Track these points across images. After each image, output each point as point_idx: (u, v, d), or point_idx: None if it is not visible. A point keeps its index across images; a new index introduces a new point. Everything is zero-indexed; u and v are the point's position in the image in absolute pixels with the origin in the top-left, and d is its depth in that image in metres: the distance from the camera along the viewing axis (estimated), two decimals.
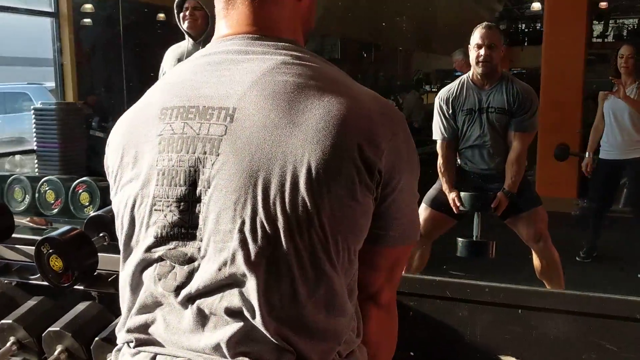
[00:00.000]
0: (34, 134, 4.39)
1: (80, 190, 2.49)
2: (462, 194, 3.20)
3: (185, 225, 0.90)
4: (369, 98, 0.94)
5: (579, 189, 5.67)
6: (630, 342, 1.67)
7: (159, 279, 0.92)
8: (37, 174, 4.21)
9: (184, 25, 3.14)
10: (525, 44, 13.54)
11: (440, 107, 3.24)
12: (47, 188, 2.60)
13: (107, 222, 1.90)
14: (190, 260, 0.90)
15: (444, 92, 3.26)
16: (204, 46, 1.03)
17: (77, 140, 4.43)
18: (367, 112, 0.91)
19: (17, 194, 3.00)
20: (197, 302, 0.90)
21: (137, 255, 0.95)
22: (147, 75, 3.28)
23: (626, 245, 4.53)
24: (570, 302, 1.75)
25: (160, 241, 0.92)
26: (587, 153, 4.52)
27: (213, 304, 0.89)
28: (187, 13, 3.18)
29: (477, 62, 3.10)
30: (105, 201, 2.96)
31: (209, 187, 0.89)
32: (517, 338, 1.78)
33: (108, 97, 8.37)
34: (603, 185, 4.50)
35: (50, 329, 1.85)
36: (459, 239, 3.33)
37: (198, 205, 0.89)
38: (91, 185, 2.45)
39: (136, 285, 0.96)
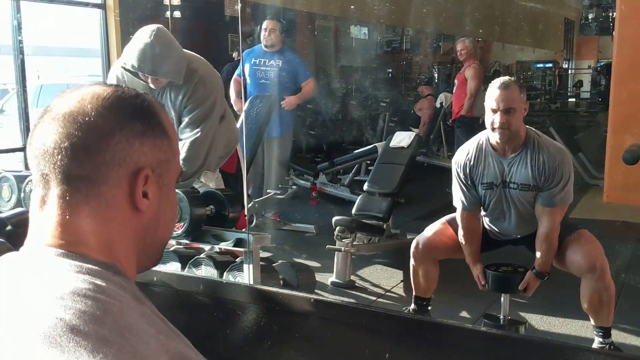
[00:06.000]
0: None
1: None
2: (487, 271, 2.76)
3: None
4: None
5: None
6: None
7: None
8: None
9: None
10: None
11: (458, 174, 2.75)
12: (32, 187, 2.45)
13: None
14: None
15: (461, 157, 2.75)
16: None
17: None
18: None
19: (5, 193, 2.97)
20: None
21: None
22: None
23: None
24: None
25: None
26: None
27: None
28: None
29: (493, 129, 2.59)
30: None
31: None
32: None
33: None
34: None
35: None
36: (485, 320, 2.85)
37: None
38: None
39: None
